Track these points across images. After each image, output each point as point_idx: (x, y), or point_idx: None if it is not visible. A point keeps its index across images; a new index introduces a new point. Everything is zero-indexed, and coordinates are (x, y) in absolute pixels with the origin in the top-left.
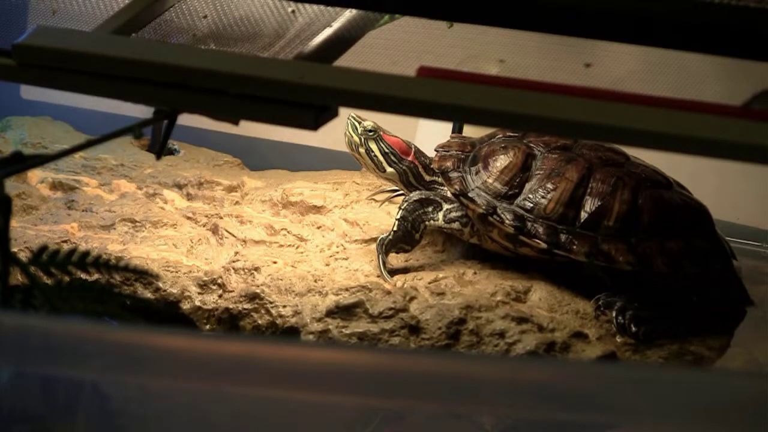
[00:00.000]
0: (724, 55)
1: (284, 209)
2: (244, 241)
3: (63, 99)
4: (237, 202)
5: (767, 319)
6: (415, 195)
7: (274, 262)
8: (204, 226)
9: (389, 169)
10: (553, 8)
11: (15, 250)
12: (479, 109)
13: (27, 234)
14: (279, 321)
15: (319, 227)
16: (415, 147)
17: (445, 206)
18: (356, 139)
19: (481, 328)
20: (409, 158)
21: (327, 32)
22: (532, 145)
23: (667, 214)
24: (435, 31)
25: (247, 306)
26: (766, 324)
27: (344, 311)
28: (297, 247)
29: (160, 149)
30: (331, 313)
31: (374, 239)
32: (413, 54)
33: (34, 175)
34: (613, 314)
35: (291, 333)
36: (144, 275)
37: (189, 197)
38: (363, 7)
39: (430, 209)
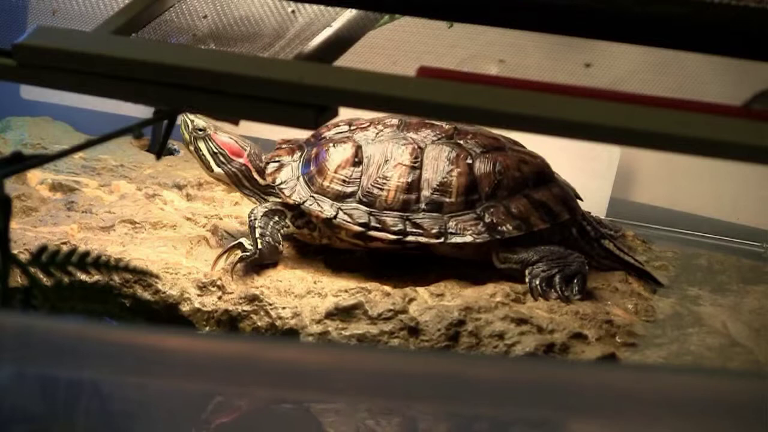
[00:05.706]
0: (724, 55)
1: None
2: None
3: (63, 99)
4: (237, 203)
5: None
6: (259, 211)
7: (274, 264)
8: (204, 227)
9: (217, 169)
10: (553, 8)
11: (15, 251)
12: (479, 109)
13: (27, 236)
14: (278, 323)
15: None
16: (252, 149)
17: (289, 214)
18: (186, 136)
19: (480, 330)
20: (241, 160)
21: (327, 32)
22: (357, 136)
23: (505, 177)
24: (435, 31)
25: (246, 308)
26: None
27: (343, 313)
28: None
29: (159, 149)
30: (330, 314)
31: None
32: (413, 54)
33: (34, 176)
34: (536, 282)
35: (290, 335)
36: (143, 277)
37: (188, 198)
38: (363, 7)
39: (277, 218)
